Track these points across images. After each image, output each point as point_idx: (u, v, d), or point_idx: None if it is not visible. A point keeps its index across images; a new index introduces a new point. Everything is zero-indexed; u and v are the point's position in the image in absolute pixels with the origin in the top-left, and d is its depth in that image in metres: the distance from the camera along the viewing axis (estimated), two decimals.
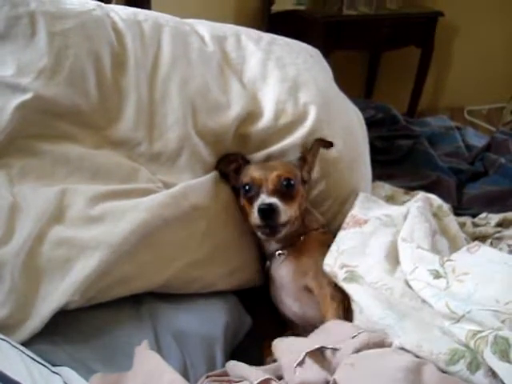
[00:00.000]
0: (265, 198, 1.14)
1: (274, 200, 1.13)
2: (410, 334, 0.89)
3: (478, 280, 0.92)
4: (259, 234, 1.18)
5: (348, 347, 0.86)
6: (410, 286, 1.01)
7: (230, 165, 1.29)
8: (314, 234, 1.25)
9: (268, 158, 1.32)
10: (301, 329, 1.18)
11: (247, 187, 1.19)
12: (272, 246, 1.24)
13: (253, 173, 1.20)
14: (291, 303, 1.18)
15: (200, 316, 1.08)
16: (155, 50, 1.31)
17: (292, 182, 1.19)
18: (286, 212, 1.14)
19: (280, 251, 1.22)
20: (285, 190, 1.17)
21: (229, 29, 1.53)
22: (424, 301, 0.96)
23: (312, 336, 1.01)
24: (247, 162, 1.29)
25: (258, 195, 1.16)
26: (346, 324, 1.01)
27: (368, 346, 0.87)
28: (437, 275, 0.97)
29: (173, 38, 1.35)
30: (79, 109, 1.17)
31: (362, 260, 1.09)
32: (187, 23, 1.47)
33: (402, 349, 0.87)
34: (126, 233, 1.02)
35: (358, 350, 0.85)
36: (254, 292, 1.26)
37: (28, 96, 1.09)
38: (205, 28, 1.48)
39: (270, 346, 1.05)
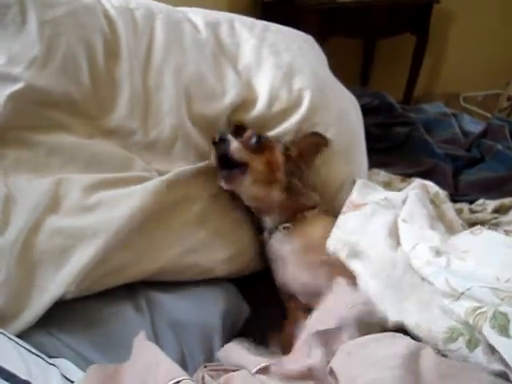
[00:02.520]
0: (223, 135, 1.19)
1: (229, 136, 1.18)
2: (409, 313, 0.88)
3: (478, 258, 0.92)
4: (220, 181, 1.20)
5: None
6: (411, 263, 1.00)
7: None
8: (313, 211, 1.24)
9: None
10: (301, 307, 1.16)
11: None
12: (270, 221, 1.24)
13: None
14: (301, 273, 1.16)
15: (197, 305, 1.08)
16: (148, 38, 1.30)
17: (262, 137, 1.22)
18: (239, 150, 1.17)
19: (285, 224, 1.21)
20: (254, 146, 1.20)
21: (222, 16, 1.52)
22: (424, 279, 0.95)
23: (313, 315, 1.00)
24: None
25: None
26: (345, 296, 0.99)
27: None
28: (437, 252, 0.97)
29: (166, 26, 1.34)
30: (72, 98, 1.15)
31: (365, 237, 1.09)
32: (180, 11, 1.46)
33: (399, 330, 0.87)
34: (122, 221, 1.01)
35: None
36: (252, 280, 1.26)
37: (20, 86, 1.08)
38: (198, 15, 1.46)
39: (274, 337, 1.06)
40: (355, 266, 1.04)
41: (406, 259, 1.00)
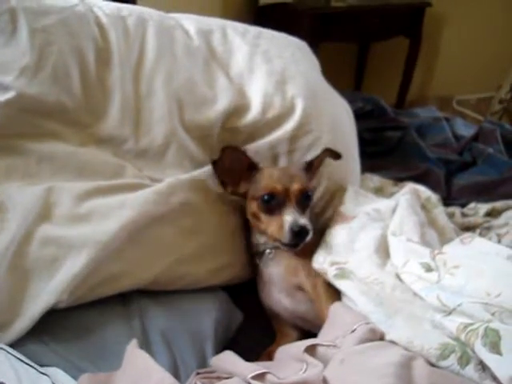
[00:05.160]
0: (295, 217, 1.12)
1: (304, 221, 1.12)
2: (400, 330, 0.88)
3: (469, 273, 0.92)
4: (279, 244, 1.16)
5: (348, 342, 0.87)
6: (400, 280, 1.01)
7: (234, 164, 1.21)
8: None
9: (257, 153, 1.30)
10: (288, 325, 1.18)
11: (266, 197, 1.15)
12: (261, 243, 1.23)
13: (273, 183, 1.16)
14: (282, 298, 1.18)
15: (189, 313, 1.08)
16: (140, 45, 1.30)
17: (310, 194, 1.20)
18: (312, 229, 1.13)
19: (269, 250, 1.21)
20: (304, 203, 1.17)
21: (214, 23, 1.52)
22: (415, 294, 0.96)
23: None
24: (253, 165, 1.23)
25: (280, 208, 1.14)
26: (347, 314, 1.00)
27: (366, 338, 0.87)
28: (428, 268, 0.97)
29: (157, 33, 1.34)
30: (64, 106, 1.15)
31: (352, 255, 1.09)
32: (172, 18, 1.46)
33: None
34: (114, 231, 1.01)
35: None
36: (244, 287, 1.26)
37: (11, 94, 1.08)
38: (190, 22, 1.46)
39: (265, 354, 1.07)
40: (343, 286, 1.04)
41: (395, 276, 1.01)
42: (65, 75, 1.16)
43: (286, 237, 1.11)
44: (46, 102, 1.12)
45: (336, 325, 0.98)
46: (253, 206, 1.19)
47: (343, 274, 1.05)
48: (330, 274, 1.07)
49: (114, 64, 1.24)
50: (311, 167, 1.27)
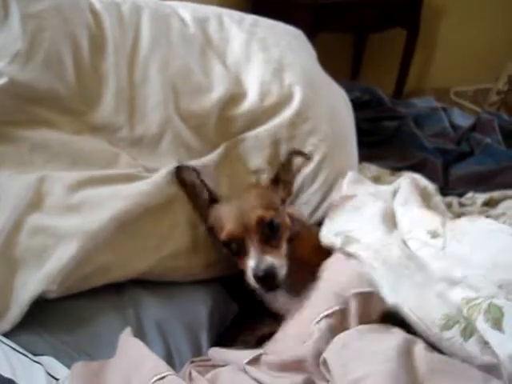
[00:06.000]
0: (257, 261, 0.98)
1: (269, 261, 0.98)
2: (406, 297, 0.87)
3: (475, 242, 0.91)
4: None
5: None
6: (407, 246, 0.99)
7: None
8: (298, 235, 1.13)
9: (257, 140, 1.27)
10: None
11: (226, 244, 1.04)
12: None
13: (228, 225, 1.02)
14: (292, 301, 1.05)
15: (184, 302, 1.07)
16: (134, 33, 1.28)
17: (276, 222, 1.03)
18: (283, 265, 1.00)
19: None
20: (270, 234, 1.02)
21: (211, 11, 1.51)
22: (421, 262, 0.93)
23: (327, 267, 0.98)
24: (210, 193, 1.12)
25: (244, 251, 1.01)
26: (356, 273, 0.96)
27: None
28: (434, 235, 0.96)
29: (153, 20, 1.32)
30: (57, 94, 1.13)
31: (358, 225, 1.07)
32: (168, 5, 1.44)
33: (392, 323, 0.87)
34: (105, 221, 1.00)
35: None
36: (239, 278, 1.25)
37: (2, 81, 1.06)
38: (186, 10, 1.45)
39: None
40: (352, 249, 0.99)
41: (402, 243, 0.98)
42: (58, 62, 1.14)
43: (252, 281, 0.99)
44: (39, 89, 1.11)
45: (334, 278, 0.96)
46: (224, 249, 1.07)
47: (350, 241, 1.01)
48: (337, 243, 1.02)
49: (108, 51, 1.22)
50: (278, 179, 1.16)
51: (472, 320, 0.78)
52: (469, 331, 0.78)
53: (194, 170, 1.13)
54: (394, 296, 0.88)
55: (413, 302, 0.85)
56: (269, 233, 1.02)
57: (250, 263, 0.99)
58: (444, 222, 0.99)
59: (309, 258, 1.10)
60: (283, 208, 1.13)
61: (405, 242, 0.99)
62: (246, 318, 1.12)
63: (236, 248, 1.03)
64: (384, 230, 1.03)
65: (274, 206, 1.08)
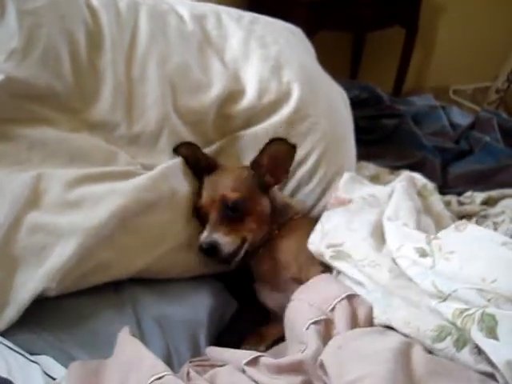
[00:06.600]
0: (208, 233, 1.09)
1: (213, 238, 1.08)
2: (397, 310, 0.88)
3: (464, 258, 0.91)
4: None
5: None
6: (396, 264, 0.99)
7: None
8: (289, 223, 1.21)
9: (256, 138, 1.28)
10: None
11: (195, 210, 1.15)
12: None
13: (200, 196, 1.15)
14: (277, 296, 1.14)
15: (183, 301, 1.07)
16: (132, 29, 1.27)
17: (240, 205, 1.12)
18: (231, 244, 1.10)
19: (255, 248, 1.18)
20: (232, 214, 1.12)
21: (209, 8, 1.51)
22: (411, 279, 0.94)
23: (301, 290, 1.00)
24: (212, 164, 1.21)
25: (205, 223, 1.12)
26: (333, 284, 1.00)
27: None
28: (423, 253, 0.96)
29: (150, 17, 1.32)
30: (54, 91, 1.12)
31: (348, 237, 1.08)
32: (166, 2, 1.44)
33: (388, 327, 0.87)
34: (104, 218, 0.99)
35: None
36: (238, 275, 1.24)
37: None
38: (184, 7, 1.45)
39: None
40: (340, 266, 1.03)
41: (390, 261, 0.99)
42: (55, 59, 1.13)
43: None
44: (36, 86, 1.09)
45: (321, 290, 0.99)
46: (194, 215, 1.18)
47: (339, 255, 1.04)
48: (327, 255, 1.05)
49: (105, 48, 1.21)
50: (259, 165, 1.18)
51: (466, 330, 0.78)
52: (461, 342, 0.79)
53: (194, 144, 1.22)
54: (384, 312, 0.89)
55: (404, 315, 0.86)
56: (230, 213, 1.11)
57: (202, 235, 1.10)
58: (429, 240, 0.98)
59: (295, 248, 1.14)
60: (263, 193, 1.19)
61: (394, 260, 0.99)
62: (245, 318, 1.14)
63: (201, 219, 1.14)
64: (373, 245, 1.04)
65: (247, 189, 1.15)
